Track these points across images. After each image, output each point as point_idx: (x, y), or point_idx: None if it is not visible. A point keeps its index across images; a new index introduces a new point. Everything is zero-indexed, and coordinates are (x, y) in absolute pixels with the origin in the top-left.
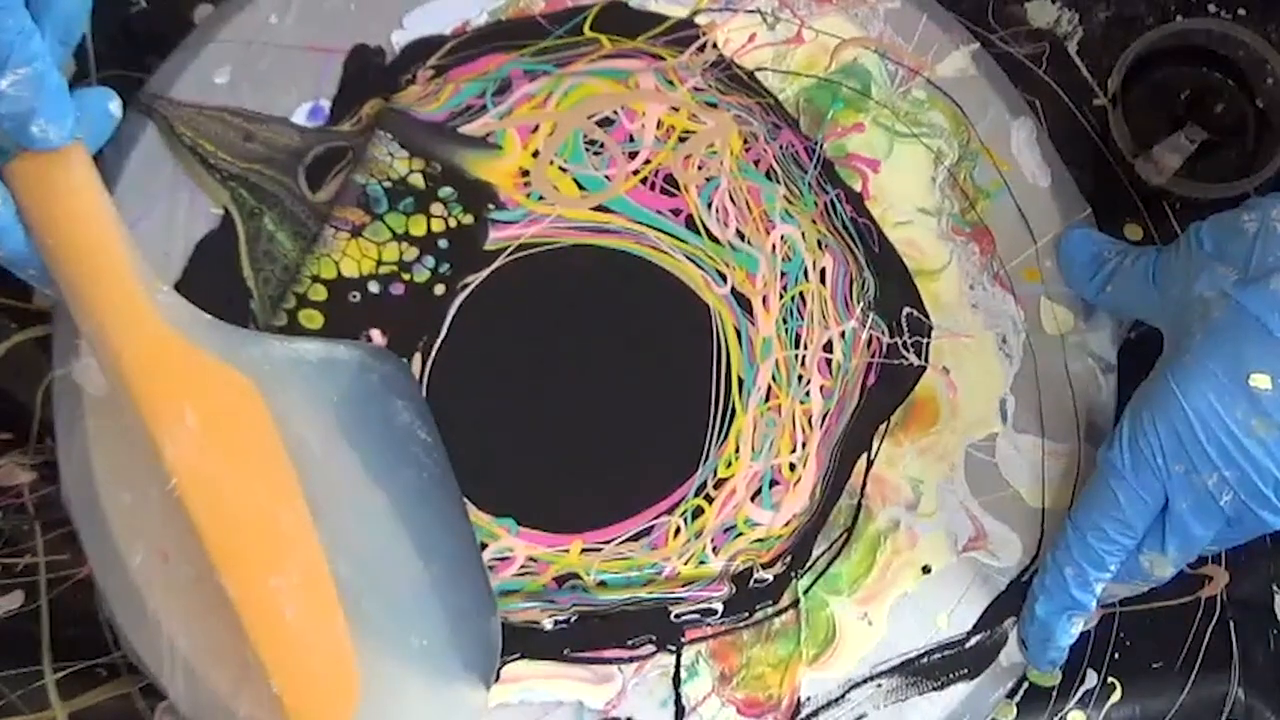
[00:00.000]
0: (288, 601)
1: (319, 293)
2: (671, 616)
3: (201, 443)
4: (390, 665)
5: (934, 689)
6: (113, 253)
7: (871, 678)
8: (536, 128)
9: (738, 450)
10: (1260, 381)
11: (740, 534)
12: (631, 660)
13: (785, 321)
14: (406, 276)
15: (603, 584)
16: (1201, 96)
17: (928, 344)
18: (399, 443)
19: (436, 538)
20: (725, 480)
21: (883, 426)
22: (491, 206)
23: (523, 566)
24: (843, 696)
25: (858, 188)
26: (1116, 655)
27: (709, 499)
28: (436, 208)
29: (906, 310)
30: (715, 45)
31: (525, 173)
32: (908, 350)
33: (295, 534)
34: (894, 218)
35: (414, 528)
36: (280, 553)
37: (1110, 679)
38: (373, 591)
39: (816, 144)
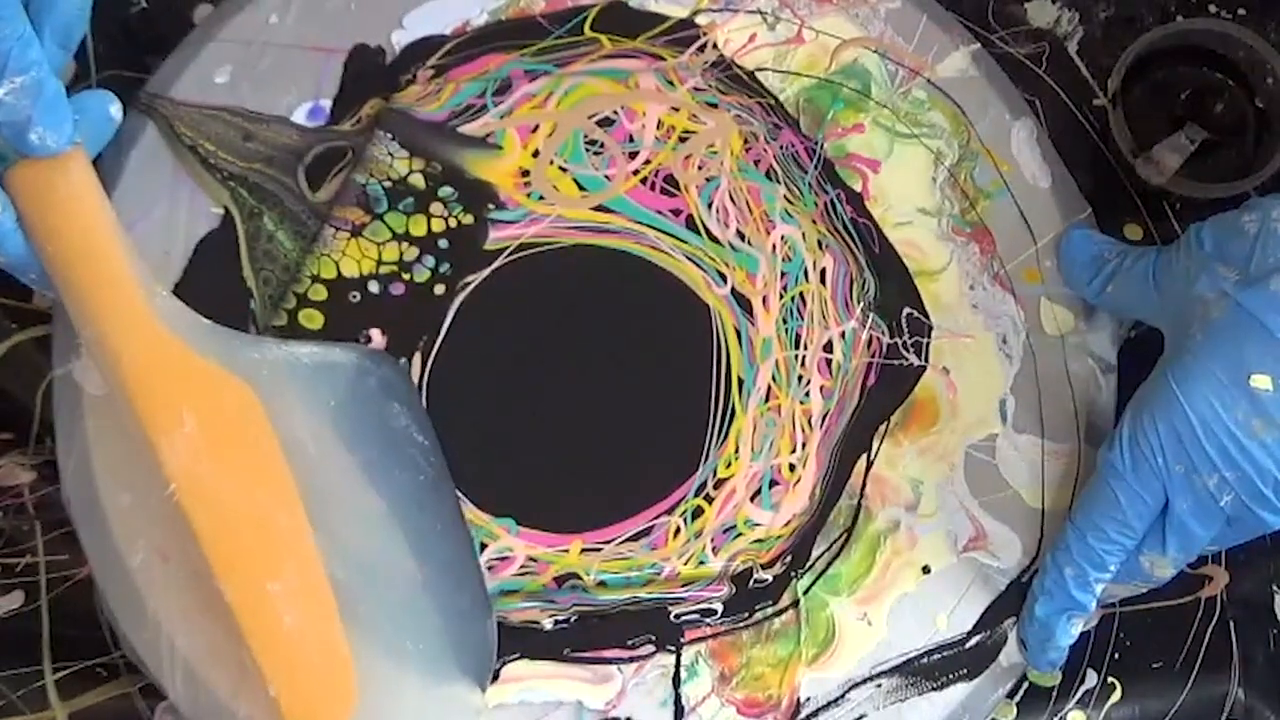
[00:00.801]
0: (285, 606)
1: (319, 292)
2: (671, 616)
3: (199, 447)
4: (387, 667)
5: (933, 689)
6: (112, 258)
7: (871, 678)
8: (536, 127)
9: (737, 450)
10: (1261, 382)
11: (740, 534)
12: (631, 660)
13: (785, 322)
14: (406, 276)
15: (602, 584)
16: (1201, 96)
17: (928, 344)
18: (396, 446)
19: (433, 540)
20: (725, 480)
21: (883, 427)
22: (491, 206)
23: (522, 566)
24: (842, 697)
25: (858, 188)
26: (1116, 655)
27: (709, 499)
28: (436, 207)
29: (906, 310)
30: (715, 45)
31: (525, 172)
32: (908, 350)
33: (292, 538)
34: (894, 218)
35: (410, 531)
36: (278, 557)
37: (1110, 679)
38: (369, 594)
39: (817, 144)
